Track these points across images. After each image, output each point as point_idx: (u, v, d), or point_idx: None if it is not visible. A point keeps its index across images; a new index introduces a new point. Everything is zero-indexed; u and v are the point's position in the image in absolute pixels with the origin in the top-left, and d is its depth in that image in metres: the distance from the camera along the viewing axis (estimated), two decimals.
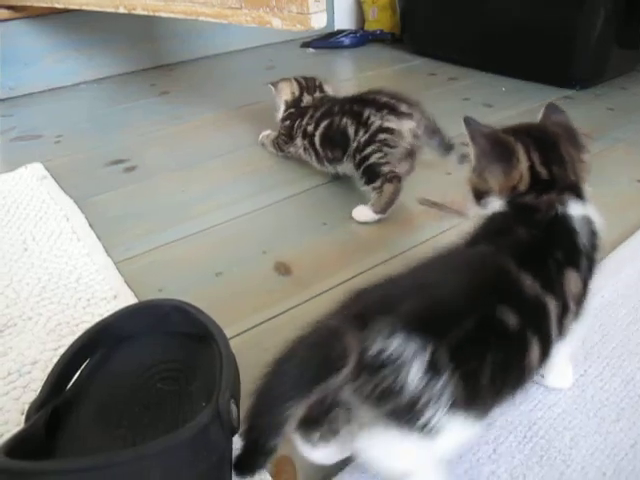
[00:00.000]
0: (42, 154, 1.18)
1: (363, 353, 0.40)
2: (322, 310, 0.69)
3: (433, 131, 0.89)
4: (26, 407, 0.58)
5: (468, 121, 0.57)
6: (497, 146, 0.55)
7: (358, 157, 0.90)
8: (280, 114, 1.09)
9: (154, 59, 1.77)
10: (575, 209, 0.52)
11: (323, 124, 0.97)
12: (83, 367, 0.53)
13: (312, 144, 0.99)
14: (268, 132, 1.15)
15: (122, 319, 0.54)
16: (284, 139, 1.09)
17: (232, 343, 0.52)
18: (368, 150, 0.88)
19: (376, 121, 0.88)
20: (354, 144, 0.90)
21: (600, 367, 0.61)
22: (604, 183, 0.97)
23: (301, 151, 1.04)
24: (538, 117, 0.61)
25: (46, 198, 0.99)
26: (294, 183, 1.02)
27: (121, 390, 0.53)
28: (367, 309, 0.43)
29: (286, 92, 1.09)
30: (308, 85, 1.09)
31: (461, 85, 1.51)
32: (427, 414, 0.40)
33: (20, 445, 0.40)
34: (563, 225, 0.50)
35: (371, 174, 0.88)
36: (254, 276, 0.77)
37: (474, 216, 0.55)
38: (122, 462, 0.36)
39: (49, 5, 1.29)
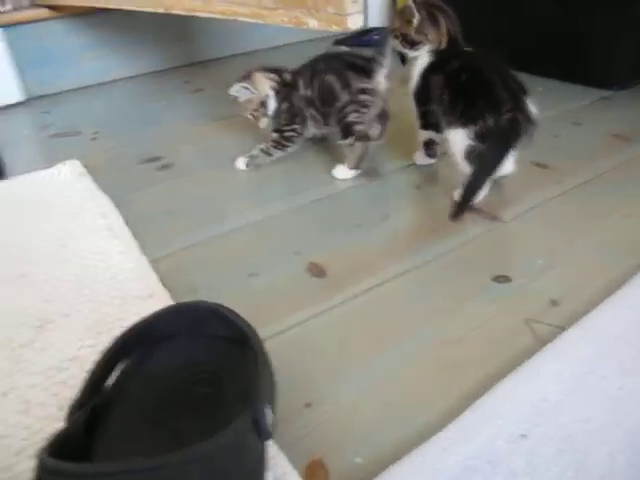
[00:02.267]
0: (79, 151, 1.20)
1: None
2: (356, 314, 0.70)
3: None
4: (64, 403, 0.60)
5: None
6: (432, 16, 0.94)
7: (339, 115, 1.01)
8: (272, 105, 1.06)
9: (188, 56, 1.79)
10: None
11: (315, 84, 1.03)
12: (122, 367, 0.53)
13: (316, 107, 1.04)
14: (243, 158, 1.09)
15: (160, 320, 0.55)
16: (291, 127, 1.07)
17: (266, 345, 0.52)
18: (348, 109, 1.00)
19: (356, 83, 0.99)
20: (339, 103, 1.00)
21: (637, 382, 0.60)
22: None
23: (312, 124, 1.07)
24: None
25: (83, 195, 1.00)
26: (327, 184, 1.02)
27: (157, 391, 0.53)
28: None
29: (264, 82, 1.06)
30: (275, 67, 1.09)
31: None
32: None
33: (62, 445, 0.41)
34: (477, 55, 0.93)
35: (346, 131, 1.01)
36: (287, 278, 0.78)
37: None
38: (168, 465, 0.37)
39: (89, 5, 1.31)
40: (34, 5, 1.50)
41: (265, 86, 1.05)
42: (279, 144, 1.08)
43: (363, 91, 0.99)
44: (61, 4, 1.43)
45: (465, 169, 0.88)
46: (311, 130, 1.09)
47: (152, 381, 0.54)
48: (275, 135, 1.08)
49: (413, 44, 0.96)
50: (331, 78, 1.02)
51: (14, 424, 0.58)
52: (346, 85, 1.00)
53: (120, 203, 0.97)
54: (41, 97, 1.57)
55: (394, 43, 0.99)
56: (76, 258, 0.83)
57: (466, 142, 0.86)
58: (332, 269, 0.79)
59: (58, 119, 1.41)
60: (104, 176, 1.07)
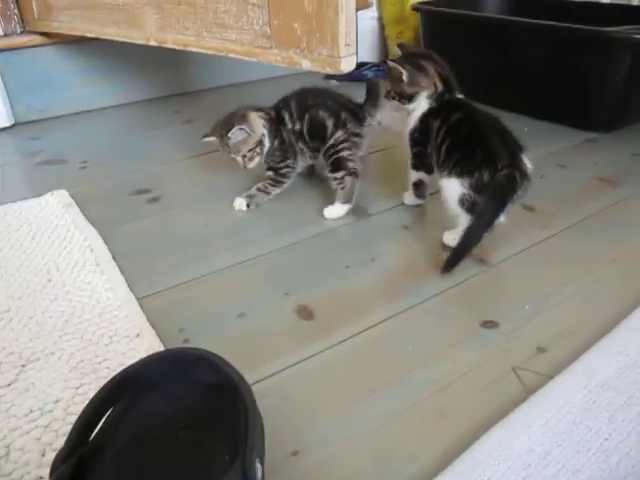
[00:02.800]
0: (67, 180, 1.20)
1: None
2: (343, 359, 0.70)
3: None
4: (47, 448, 0.59)
5: (394, 60, 0.99)
6: (418, 66, 0.97)
7: (332, 150, 1.04)
8: (267, 144, 1.07)
9: (179, 86, 1.80)
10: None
11: (306, 118, 1.05)
12: (108, 414, 0.53)
13: (304, 141, 1.07)
14: (242, 199, 1.08)
15: (148, 367, 0.54)
16: (285, 164, 1.08)
17: (253, 389, 0.52)
18: (342, 146, 1.04)
19: (352, 127, 1.04)
20: (331, 140, 1.04)
21: (625, 432, 0.60)
22: (629, 233, 0.97)
23: (300, 159, 1.09)
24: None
25: (70, 227, 1.00)
26: (316, 222, 1.02)
27: (144, 438, 0.53)
28: None
29: (258, 122, 1.06)
30: (255, 106, 1.09)
31: None
32: None
33: None
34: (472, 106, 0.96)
35: (337, 165, 1.04)
36: (276, 320, 0.77)
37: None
38: None
39: (80, 34, 1.32)
40: (26, 31, 1.51)
41: (260, 125, 1.06)
42: (276, 181, 1.09)
43: (357, 135, 1.05)
44: (52, 31, 1.43)
45: (458, 214, 0.90)
46: (300, 164, 1.11)
47: (139, 429, 0.53)
48: (270, 173, 1.09)
49: (410, 98, 0.98)
50: (324, 114, 1.04)
51: None
52: (341, 124, 1.04)
53: (108, 236, 0.97)
54: (29, 123, 1.57)
55: (392, 103, 1.02)
56: (62, 294, 0.82)
57: (460, 190, 0.88)
58: (320, 312, 0.78)
59: (46, 146, 1.41)
60: (92, 207, 1.07)
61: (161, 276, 0.87)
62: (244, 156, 1.06)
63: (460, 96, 1.00)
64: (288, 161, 1.08)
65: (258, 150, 1.06)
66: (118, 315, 0.77)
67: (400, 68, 0.96)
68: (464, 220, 0.89)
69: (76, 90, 1.63)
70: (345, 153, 1.04)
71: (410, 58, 1.00)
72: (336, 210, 1.05)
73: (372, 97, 1.07)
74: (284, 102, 1.09)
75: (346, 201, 1.04)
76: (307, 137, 1.06)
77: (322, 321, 0.77)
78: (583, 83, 1.40)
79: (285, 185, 1.09)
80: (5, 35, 1.48)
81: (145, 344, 0.71)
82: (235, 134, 1.03)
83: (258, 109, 1.08)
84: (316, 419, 0.62)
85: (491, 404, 0.64)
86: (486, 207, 0.85)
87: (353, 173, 1.04)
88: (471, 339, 0.73)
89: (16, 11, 1.47)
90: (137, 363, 0.55)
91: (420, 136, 0.99)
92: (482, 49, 1.61)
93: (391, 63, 0.98)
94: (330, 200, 1.06)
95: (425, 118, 0.97)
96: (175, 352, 0.57)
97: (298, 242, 0.96)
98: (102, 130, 1.53)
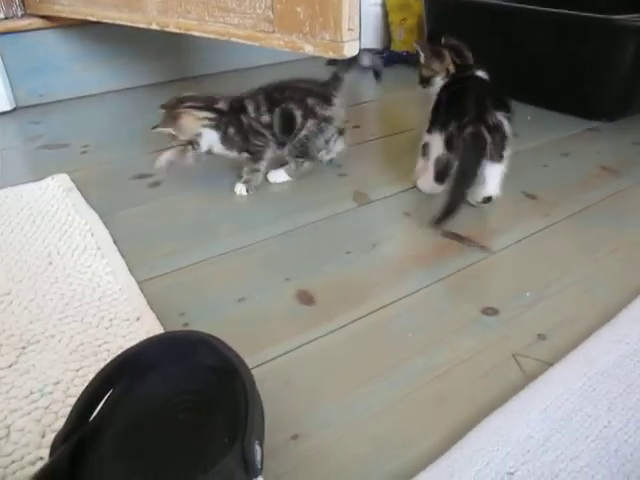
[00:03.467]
0: (68, 164, 1.19)
1: None
2: (343, 344, 0.70)
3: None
4: (47, 430, 0.59)
5: (419, 43, 1.09)
6: (435, 51, 1.05)
7: (304, 140, 1.07)
8: (212, 138, 1.06)
9: (181, 71, 1.79)
10: (477, 72, 1.04)
11: (276, 112, 1.06)
12: (108, 396, 0.53)
13: (273, 134, 1.07)
14: (241, 185, 1.08)
15: (148, 349, 0.54)
16: (253, 144, 1.07)
17: (253, 373, 0.52)
18: (313, 138, 1.07)
19: (320, 110, 1.06)
20: (303, 131, 1.06)
21: (624, 419, 0.60)
22: (630, 223, 0.96)
23: (269, 142, 1.09)
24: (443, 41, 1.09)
25: (71, 211, 0.99)
26: (318, 208, 1.02)
27: (143, 420, 0.53)
28: None
29: (193, 124, 1.04)
30: (206, 101, 1.07)
31: None
32: None
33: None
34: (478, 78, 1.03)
35: (303, 153, 1.09)
36: (276, 304, 0.77)
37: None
38: None
39: (81, 17, 1.31)
40: (27, 14, 1.50)
41: (195, 126, 1.04)
42: (255, 158, 1.08)
43: (326, 119, 1.08)
44: (54, 15, 1.42)
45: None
46: (269, 149, 1.10)
47: (137, 410, 0.53)
48: (245, 154, 1.08)
49: (427, 81, 1.06)
50: (292, 106, 1.06)
51: None
52: (310, 113, 1.06)
53: (109, 220, 0.96)
54: (30, 107, 1.56)
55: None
56: (63, 277, 0.82)
57: (440, 150, 0.96)
58: (321, 297, 0.78)
59: (47, 130, 1.40)
60: (93, 191, 1.07)
61: (162, 260, 0.87)
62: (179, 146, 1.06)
63: (480, 74, 1.05)
64: (255, 141, 1.07)
65: (189, 147, 1.05)
66: (118, 298, 0.77)
67: (419, 51, 1.07)
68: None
69: (77, 74, 1.62)
70: (316, 144, 1.08)
71: (432, 45, 1.08)
72: (280, 175, 1.12)
73: (336, 76, 1.10)
74: (250, 94, 1.08)
75: (293, 175, 1.11)
76: (278, 131, 1.07)
77: (322, 306, 0.77)
78: (587, 71, 1.39)
79: (266, 157, 1.09)
80: (6, 18, 1.47)
81: (145, 327, 0.71)
82: (161, 131, 1.05)
83: (204, 105, 1.06)
84: (316, 403, 0.62)
85: (491, 390, 0.64)
86: (461, 165, 0.91)
87: (314, 158, 1.10)
88: (471, 326, 0.73)
89: None
90: (137, 345, 0.55)
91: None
92: (486, 37, 1.59)
93: (416, 45, 1.09)
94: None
95: (440, 93, 1.03)
96: (175, 334, 0.57)
97: (299, 227, 0.95)
98: (103, 115, 1.52)
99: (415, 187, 1.07)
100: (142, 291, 0.79)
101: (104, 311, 0.75)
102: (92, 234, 0.92)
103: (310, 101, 1.06)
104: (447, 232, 0.93)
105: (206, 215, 1.00)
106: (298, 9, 0.90)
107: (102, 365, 0.65)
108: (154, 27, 1.16)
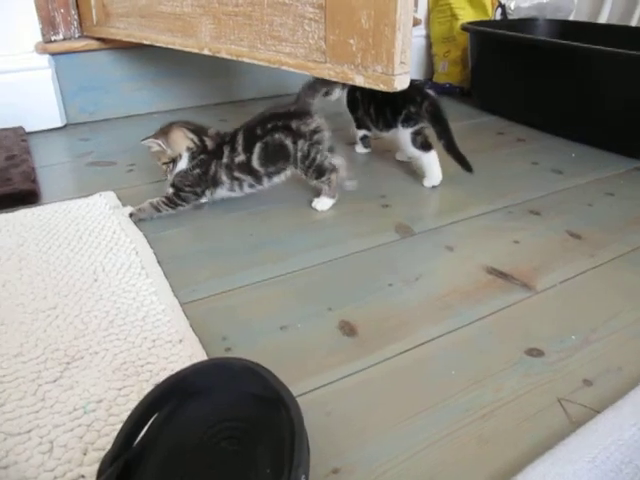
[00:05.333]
0: (115, 182, 1.22)
1: None
2: (386, 378, 0.69)
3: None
4: (88, 447, 0.60)
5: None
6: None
7: (307, 162, 1.08)
8: (183, 165, 1.07)
9: (226, 94, 1.82)
10: None
11: (256, 148, 1.06)
12: (152, 420, 0.53)
13: (249, 170, 1.08)
14: (131, 208, 1.08)
15: (194, 374, 0.55)
16: (192, 190, 1.08)
17: None
18: (312, 154, 1.07)
19: (305, 127, 1.06)
20: (299, 153, 1.07)
21: None
22: None
23: (226, 188, 1.10)
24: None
25: (117, 229, 1.01)
26: (361, 238, 1.02)
27: (186, 446, 0.53)
28: None
29: (182, 142, 1.07)
30: (198, 127, 1.10)
31: (530, 147, 1.50)
32: None
33: None
34: None
35: (320, 171, 1.09)
36: (319, 334, 0.77)
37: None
38: None
39: (136, 41, 1.35)
40: (83, 36, 1.54)
41: (182, 145, 1.06)
42: (172, 202, 1.07)
43: (314, 131, 1.07)
44: (109, 37, 1.47)
45: (417, 157, 1.22)
46: (216, 195, 1.11)
47: (180, 435, 0.54)
48: (171, 191, 1.08)
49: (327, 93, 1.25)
50: (279, 136, 1.06)
51: (37, 465, 0.57)
52: (297, 134, 1.06)
53: (153, 240, 0.98)
54: (80, 124, 1.60)
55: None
56: (108, 294, 0.83)
57: (408, 133, 1.19)
58: (363, 328, 0.78)
59: (96, 147, 1.44)
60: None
61: (204, 283, 0.87)
62: (163, 165, 1.08)
63: None
64: (197, 189, 1.08)
65: (171, 167, 1.07)
66: (161, 319, 0.78)
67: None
68: (424, 159, 1.21)
69: (126, 94, 1.66)
70: (318, 158, 1.08)
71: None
72: (325, 202, 1.12)
73: (308, 90, 1.10)
74: (232, 136, 1.10)
75: (334, 195, 1.12)
76: (259, 165, 1.07)
77: (365, 338, 0.76)
78: (633, 109, 1.38)
79: (180, 209, 1.08)
80: (64, 39, 1.52)
81: (188, 350, 0.71)
82: (149, 144, 1.07)
83: (196, 130, 1.09)
84: (357, 438, 0.61)
85: (535, 435, 0.62)
86: (437, 125, 1.17)
87: (333, 169, 1.10)
88: (515, 366, 0.72)
89: (76, 17, 1.51)
90: (183, 370, 0.55)
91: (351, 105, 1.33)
92: (531, 72, 1.60)
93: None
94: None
95: (351, 92, 1.31)
96: (222, 361, 0.57)
97: (341, 257, 0.95)
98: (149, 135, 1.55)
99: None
100: (184, 313, 0.79)
101: (147, 331, 0.75)
102: (137, 253, 0.94)
103: (293, 124, 1.06)
104: (490, 269, 0.92)
105: (249, 239, 1.01)
106: (351, 41, 0.92)
107: (144, 385, 0.67)
108: (206, 52, 1.18)
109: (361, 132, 1.38)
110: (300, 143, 1.06)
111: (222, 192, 1.11)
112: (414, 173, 1.30)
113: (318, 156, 1.07)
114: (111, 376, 0.68)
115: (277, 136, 1.06)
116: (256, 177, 1.09)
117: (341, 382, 0.68)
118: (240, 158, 1.07)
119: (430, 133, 1.20)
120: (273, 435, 0.52)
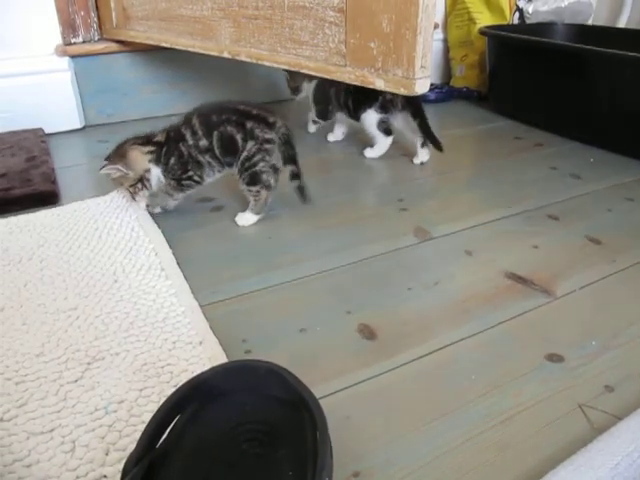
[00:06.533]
0: None
1: None
2: (406, 382, 0.69)
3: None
4: (110, 448, 0.60)
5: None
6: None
7: (247, 164, 1.05)
8: (157, 174, 1.06)
9: (244, 97, 1.81)
10: None
11: (215, 135, 1.05)
12: (175, 421, 0.53)
13: (214, 156, 1.06)
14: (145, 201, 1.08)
15: (217, 376, 0.55)
16: (187, 175, 1.07)
17: None
18: (255, 159, 1.04)
19: (259, 132, 1.04)
20: (244, 153, 1.05)
21: None
22: None
23: (206, 172, 1.08)
24: None
25: (135, 226, 1.02)
26: (379, 242, 1.01)
27: (208, 447, 0.53)
28: None
29: (141, 159, 1.05)
30: (145, 138, 1.08)
31: (548, 152, 1.49)
32: None
33: None
34: None
35: (253, 179, 1.06)
36: (338, 337, 0.77)
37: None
38: None
39: (155, 44, 1.36)
40: (102, 39, 1.56)
41: (143, 162, 1.04)
42: (177, 188, 1.09)
43: (267, 141, 1.05)
44: (128, 40, 1.48)
45: (375, 136, 1.39)
46: (207, 178, 1.10)
47: (203, 437, 0.54)
48: (173, 182, 1.08)
49: (295, 90, 1.56)
50: (231, 129, 1.04)
51: (59, 464, 0.58)
52: (249, 135, 1.04)
53: (173, 240, 0.99)
54: (98, 126, 1.62)
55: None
56: (128, 295, 0.84)
57: (377, 116, 1.34)
58: (382, 332, 0.78)
59: None
60: (156, 212, 1.10)
61: (223, 285, 0.88)
62: (130, 187, 1.06)
63: None
64: (189, 172, 1.07)
65: (140, 186, 1.05)
66: (182, 321, 0.78)
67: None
68: (381, 140, 1.39)
69: (144, 96, 1.67)
70: (259, 166, 1.05)
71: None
72: (247, 218, 1.09)
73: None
74: (185, 120, 1.08)
75: (259, 212, 1.08)
76: (219, 153, 1.06)
77: (384, 342, 0.76)
78: None
79: (188, 191, 1.10)
80: (84, 42, 1.53)
81: (208, 352, 0.72)
82: (108, 171, 1.04)
83: (145, 140, 1.07)
84: (377, 441, 0.61)
85: (556, 441, 0.62)
86: (411, 106, 1.31)
87: (267, 186, 1.06)
88: (535, 372, 0.71)
89: (96, 20, 1.53)
90: (206, 372, 0.55)
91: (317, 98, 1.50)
92: (549, 76, 1.59)
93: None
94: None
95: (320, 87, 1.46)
96: (245, 363, 0.58)
97: (359, 261, 0.95)
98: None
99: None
100: (204, 315, 0.79)
101: (167, 333, 0.76)
102: (156, 254, 0.94)
103: (249, 124, 1.04)
104: (510, 274, 0.91)
105: (267, 243, 1.01)
106: (372, 45, 0.92)
107: (165, 387, 0.67)
108: (225, 55, 1.19)
109: (320, 121, 1.57)
110: (249, 144, 1.04)
111: (208, 174, 1.10)
112: (432, 177, 1.30)
113: (260, 164, 1.04)
114: (132, 377, 0.68)
115: (229, 129, 1.04)
116: (220, 164, 1.08)
117: (361, 386, 0.68)
118: (203, 143, 1.05)
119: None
120: (296, 438, 0.52)
